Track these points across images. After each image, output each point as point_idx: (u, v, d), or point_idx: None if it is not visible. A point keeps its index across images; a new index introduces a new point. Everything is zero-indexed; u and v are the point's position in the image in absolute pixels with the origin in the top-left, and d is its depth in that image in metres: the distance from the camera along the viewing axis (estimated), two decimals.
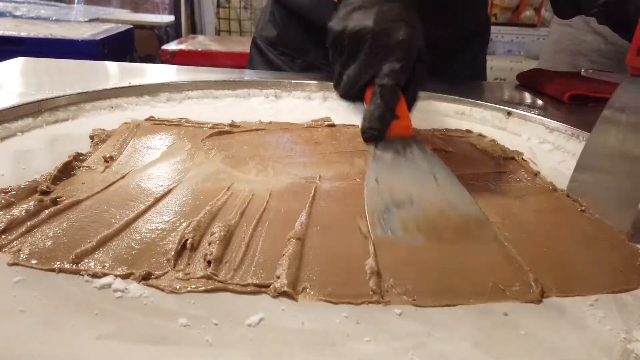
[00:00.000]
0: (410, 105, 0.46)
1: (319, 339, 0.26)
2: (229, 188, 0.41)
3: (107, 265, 0.30)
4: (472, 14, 0.86)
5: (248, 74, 0.83)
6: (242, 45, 1.97)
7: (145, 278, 0.29)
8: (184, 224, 0.35)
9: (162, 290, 0.29)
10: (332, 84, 0.74)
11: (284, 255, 0.32)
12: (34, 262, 0.30)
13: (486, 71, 0.96)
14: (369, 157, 0.51)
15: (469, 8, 0.84)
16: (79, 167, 0.44)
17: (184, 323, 0.26)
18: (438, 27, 0.81)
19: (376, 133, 0.42)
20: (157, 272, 0.30)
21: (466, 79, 0.89)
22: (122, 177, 0.42)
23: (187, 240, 0.33)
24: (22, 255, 0.30)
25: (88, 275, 0.29)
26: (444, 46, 0.84)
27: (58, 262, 0.30)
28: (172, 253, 0.31)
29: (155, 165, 0.46)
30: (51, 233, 0.33)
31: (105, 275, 0.29)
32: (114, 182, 0.41)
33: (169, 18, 2.70)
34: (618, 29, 0.44)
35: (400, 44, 0.43)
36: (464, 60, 0.88)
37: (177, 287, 0.29)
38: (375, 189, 0.39)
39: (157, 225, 0.35)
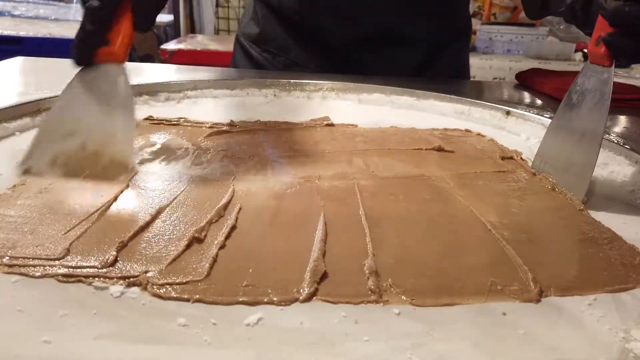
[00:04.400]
0: (142, 24, 0.43)
1: (318, 338, 0.26)
2: (227, 188, 0.41)
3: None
4: (455, 14, 0.87)
5: (247, 74, 0.83)
6: None
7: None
8: (183, 225, 0.35)
9: (162, 297, 0.28)
10: (328, 83, 0.75)
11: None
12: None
13: (469, 70, 0.97)
14: (368, 157, 0.51)
15: (451, 7, 0.85)
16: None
17: (182, 323, 0.26)
18: (422, 24, 0.82)
19: (80, 60, 0.42)
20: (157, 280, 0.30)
21: (449, 78, 0.89)
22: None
23: (189, 242, 0.33)
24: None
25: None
26: (427, 44, 0.84)
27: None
28: (173, 255, 0.31)
29: (153, 165, 0.46)
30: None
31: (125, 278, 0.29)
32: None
33: (168, 17, 2.69)
34: (581, 26, 0.48)
35: None
36: (448, 59, 0.89)
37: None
38: (52, 117, 0.43)
39: (159, 227, 0.35)
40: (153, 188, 0.41)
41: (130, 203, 0.38)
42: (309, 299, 0.29)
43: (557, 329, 0.28)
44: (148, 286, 0.28)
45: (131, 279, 0.29)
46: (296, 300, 0.28)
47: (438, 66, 0.88)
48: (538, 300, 0.30)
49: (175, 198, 0.39)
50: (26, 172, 0.40)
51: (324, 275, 0.30)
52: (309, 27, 0.81)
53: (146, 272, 0.30)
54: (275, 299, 0.28)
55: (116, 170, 0.41)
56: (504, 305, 0.29)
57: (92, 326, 0.25)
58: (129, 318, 0.26)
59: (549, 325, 0.28)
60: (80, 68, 0.43)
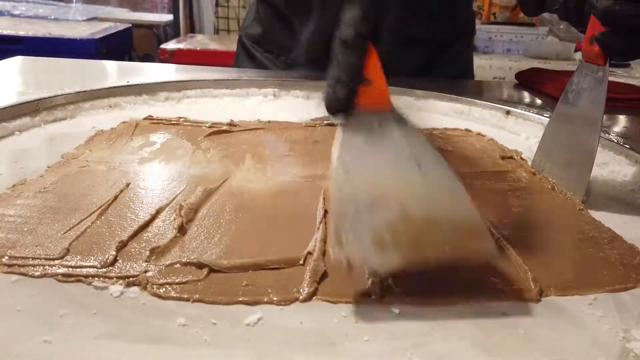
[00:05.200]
0: (383, 64, 0.34)
1: (318, 338, 0.26)
2: (227, 187, 0.41)
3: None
4: (457, 12, 0.87)
5: (247, 73, 0.83)
6: None
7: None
8: (183, 226, 0.35)
9: (161, 297, 0.28)
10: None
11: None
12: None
13: (473, 69, 0.97)
14: None
15: (453, 6, 0.85)
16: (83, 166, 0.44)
17: (182, 323, 0.26)
18: (424, 24, 0.81)
19: (339, 105, 0.32)
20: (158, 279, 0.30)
21: (452, 77, 0.89)
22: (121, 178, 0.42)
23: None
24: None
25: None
26: (429, 44, 0.84)
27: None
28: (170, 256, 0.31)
29: (153, 165, 0.46)
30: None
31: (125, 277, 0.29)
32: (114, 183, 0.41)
33: (168, 17, 2.69)
34: (575, 24, 0.48)
35: None
36: (450, 58, 0.89)
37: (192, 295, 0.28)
38: (343, 184, 0.29)
39: (159, 227, 0.35)
40: (153, 188, 0.41)
41: (129, 203, 0.38)
42: (309, 298, 0.28)
43: (557, 328, 0.28)
44: (148, 286, 0.28)
45: (131, 279, 0.29)
46: (296, 300, 0.28)
47: (441, 66, 0.87)
48: (538, 300, 0.30)
49: (174, 198, 0.39)
50: (349, 267, 0.27)
51: (324, 275, 0.30)
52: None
53: (146, 271, 0.30)
54: (275, 298, 0.28)
55: (470, 240, 0.29)
56: (504, 305, 0.29)
57: (91, 326, 0.25)
58: (128, 318, 0.26)
59: (549, 325, 0.28)
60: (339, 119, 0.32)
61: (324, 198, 0.40)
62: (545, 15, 2.13)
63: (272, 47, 0.87)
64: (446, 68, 0.88)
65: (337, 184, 0.29)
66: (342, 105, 0.32)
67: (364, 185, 0.29)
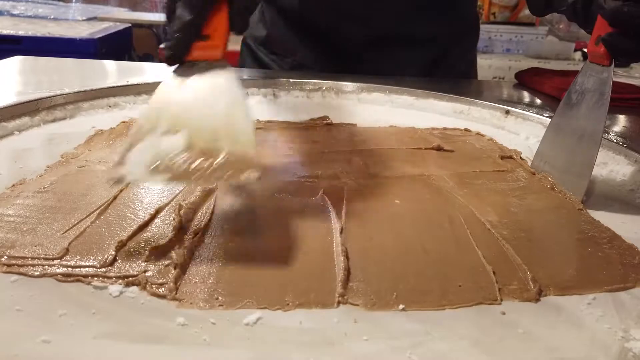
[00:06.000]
0: (239, 24, 0.39)
1: (317, 338, 0.26)
2: (226, 187, 0.41)
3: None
4: (461, 12, 0.87)
5: (246, 73, 0.83)
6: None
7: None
8: (183, 225, 0.35)
9: (160, 296, 0.28)
10: (328, 82, 0.75)
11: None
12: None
13: (476, 69, 0.97)
14: (367, 156, 0.51)
15: (458, 6, 0.85)
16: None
17: (181, 322, 0.26)
18: (429, 24, 0.81)
19: (171, 53, 0.37)
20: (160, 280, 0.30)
21: (456, 76, 0.89)
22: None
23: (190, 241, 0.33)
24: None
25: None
26: (435, 43, 0.84)
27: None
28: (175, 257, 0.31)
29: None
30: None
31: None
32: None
33: None
34: (582, 25, 0.49)
35: None
36: (454, 58, 0.88)
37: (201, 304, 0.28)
38: (147, 116, 0.35)
39: (158, 226, 0.35)
40: (152, 187, 0.41)
41: (129, 202, 0.38)
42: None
43: (557, 328, 0.28)
44: (147, 285, 0.28)
45: (130, 279, 0.29)
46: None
47: (445, 66, 0.87)
48: (537, 300, 0.30)
49: (174, 197, 0.39)
50: (119, 181, 0.33)
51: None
52: (316, 29, 0.81)
53: (145, 271, 0.30)
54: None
55: (235, 168, 0.32)
56: (503, 304, 0.29)
57: (91, 325, 0.25)
58: (127, 317, 0.26)
59: (548, 325, 0.28)
60: (172, 67, 0.38)
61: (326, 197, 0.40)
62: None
63: (277, 48, 0.87)
64: (450, 68, 0.88)
65: (144, 116, 0.36)
66: (175, 58, 0.37)
67: (164, 118, 0.35)
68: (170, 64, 0.38)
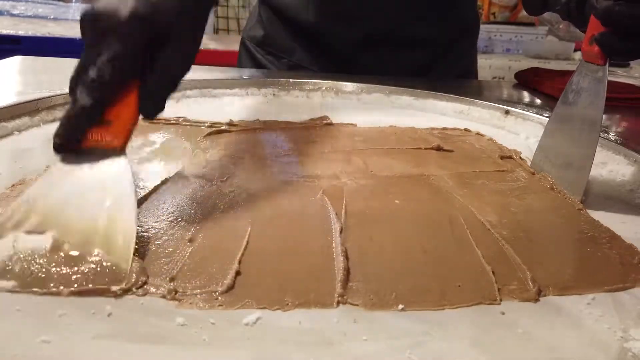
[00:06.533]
0: (149, 108, 0.34)
1: (317, 338, 0.26)
2: (226, 187, 0.41)
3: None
4: (461, 12, 0.87)
5: (246, 73, 0.83)
6: None
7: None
8: (182, 227, 0.35)
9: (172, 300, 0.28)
10: (328, 82, 0.75)
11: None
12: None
13: (476, 69, 0.97)
14: (367, 156, 0.51)
15: (457, 6, 0.85)
16: None
17: (181, 322, 0.26)
18: (427, 25, 0.82)
19: (58, 141, 0.32)
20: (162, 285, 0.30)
21: (456, 77, 0.89)
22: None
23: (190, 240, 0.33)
24: None
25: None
26: (433, 44, 0.84)
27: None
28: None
29: (152, 165, 0.46)
30: None
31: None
32: None
33: None
34: (577, 24, 0.49)
35: (126, 24, 0.32)
36: (454, 58, 0.88)
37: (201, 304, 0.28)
38: (19, 205, 0.31)
39: (157, 227, 0.35)
40: (151, 187, 0.41)
41: None
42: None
43: (556, 328, 0.28)
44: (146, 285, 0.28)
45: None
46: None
47: (443, 66, 0.87)
48: (537, 300, 0.30)
49: (171, 198, 0.39)
50: None
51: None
52: (313, 30, 0.81)
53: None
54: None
55: (103, 276, 0.28)
56: (502, 304, 0.29)
57: (90, 326, 0.25)
58: (127, 317, 0.26)
59: (547, 325, 0.28)
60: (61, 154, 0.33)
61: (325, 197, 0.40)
62: (545, 15, 2.13)
63: (274, 49, 0.87)
64: (450, 68, 0.88)
65: (15, 205, 0.32)
66: (69, 141, 0.33)
67: (39, 210, 0.31)
68: (59, 152, 0.33)
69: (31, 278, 0.28)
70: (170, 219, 0.36)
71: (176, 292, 0.28)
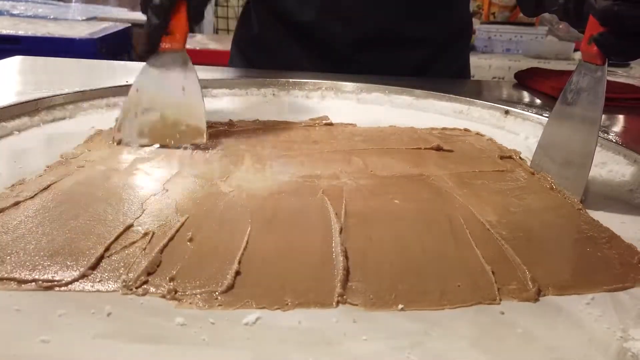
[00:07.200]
0: (195, 18, 0.51)
1: (316, 338, 0.26)
2: (226, 187, 0.41)
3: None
4: (455, 14, 0.87)
5: (247, 73, 0.83)
6: None
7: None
8: (182, 227, 0.35)
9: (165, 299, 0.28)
10: (327, 82, 0.75)
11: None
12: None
13: (470, 70, 0.97)
14: (367, 156, 0.51)
15: (453, 7, 0.85)
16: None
17: (180, 322, 0.26)
18: (424, 25, 0.82)
19: (144, 49, 0.50)
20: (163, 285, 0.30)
21: (450, 78, 0.89)
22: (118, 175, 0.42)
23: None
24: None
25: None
26: (430, 44, 0.84)
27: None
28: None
29: (151, 165, 0.46)
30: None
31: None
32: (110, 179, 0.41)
33: None
34: (575, 24, 0.49)
35: None
36: (450, 59, 0.89)
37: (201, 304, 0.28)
38: (132, 97, 0.51)
39: (157, 227, 0.35)
40: (151, 187, 0.41)
41: (117, 203, 0.38)
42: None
43: (555, 328, 0.28)
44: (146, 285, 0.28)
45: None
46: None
47: (438, 67, 0.88)
48: (536, 299, 0.30)
49: (171, 198, 0.39)
50: (119, 142, 0.49)
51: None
52: (307, 29, 0.81)
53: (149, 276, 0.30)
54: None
55: (192, 135, 0.50)
56: (502, 304, 0.29)
57: (90, 325, 0.25)
58: (127, 317, 0.26)
59: (547, 324, 0.28)
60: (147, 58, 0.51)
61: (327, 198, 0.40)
62: (545, 15, 2.13)
63: (268, 48, 0.87)
64: (443, 69, 0.88)
65: (129, 96, 0.51)
66: (147, 53, 0.51)
67: (145, 98, 0.51)
68: (145, 57, 0.50)
69: (154, 136, 0.50)
70: (170, 219, 0.36)
71: (176, 291, 0.28)
